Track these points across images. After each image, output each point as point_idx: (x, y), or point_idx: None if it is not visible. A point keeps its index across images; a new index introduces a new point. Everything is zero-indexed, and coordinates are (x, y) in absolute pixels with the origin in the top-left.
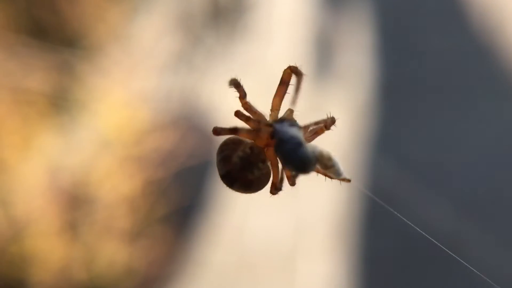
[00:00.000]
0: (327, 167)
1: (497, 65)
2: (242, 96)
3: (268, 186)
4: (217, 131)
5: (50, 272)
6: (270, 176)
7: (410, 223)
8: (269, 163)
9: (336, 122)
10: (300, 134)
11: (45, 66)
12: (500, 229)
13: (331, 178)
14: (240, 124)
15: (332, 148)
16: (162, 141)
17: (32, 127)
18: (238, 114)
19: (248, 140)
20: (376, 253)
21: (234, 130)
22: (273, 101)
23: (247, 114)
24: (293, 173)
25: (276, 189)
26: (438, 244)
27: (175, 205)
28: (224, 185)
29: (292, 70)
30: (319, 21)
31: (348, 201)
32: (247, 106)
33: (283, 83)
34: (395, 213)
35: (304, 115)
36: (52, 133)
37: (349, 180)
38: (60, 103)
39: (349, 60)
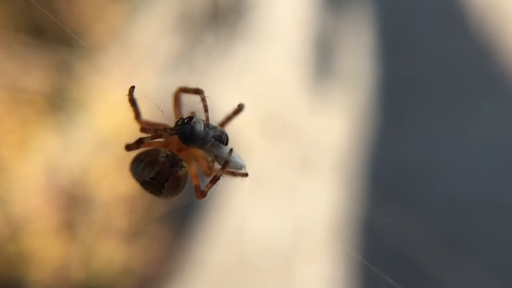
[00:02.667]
0: (221, 152)
1: (497, 67)
2: (137, 115)
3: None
4: (129, 146)
5: (48, 271)
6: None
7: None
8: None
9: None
10: (199, 120)
11: (43, 65)
12: (499, 230)
13: (232, 175)
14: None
15: (330, 148)
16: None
17: (30, 127)
18: (143, 130)
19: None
20: (374, 254)
21: (140, 141)
22: (174, 114)
23: (151, 127)
24: (209, 159)
25: (202, 193)
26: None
27: (173, 204)
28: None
29: (182, 90)
30: (319, 22)
31: (346, 202)
32: (145, 123)
33: (175, 100)
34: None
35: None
36: (50, 132)
37: (246, 175)
38: (58, 103)
39: (348, 62)
